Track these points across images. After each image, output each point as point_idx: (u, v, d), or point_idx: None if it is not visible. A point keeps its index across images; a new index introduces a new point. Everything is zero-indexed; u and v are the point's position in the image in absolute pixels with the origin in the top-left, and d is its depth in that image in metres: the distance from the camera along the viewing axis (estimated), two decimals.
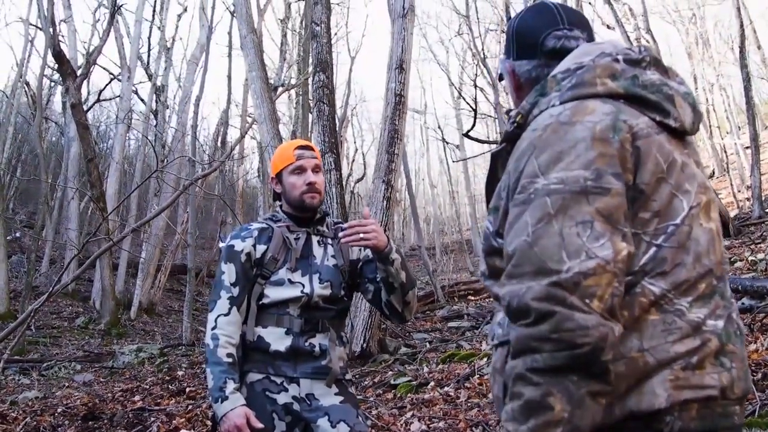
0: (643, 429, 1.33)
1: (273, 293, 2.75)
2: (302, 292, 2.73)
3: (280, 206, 2.96)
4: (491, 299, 2.03)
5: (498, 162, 1.63)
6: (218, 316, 2.70)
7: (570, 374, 1.24)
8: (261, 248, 2.79)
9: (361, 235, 2.58)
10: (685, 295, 1.37)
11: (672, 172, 1.42)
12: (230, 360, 2.65)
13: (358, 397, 5.76)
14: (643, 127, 1.42)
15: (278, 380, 2.70)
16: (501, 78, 1.90)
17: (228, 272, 2.76)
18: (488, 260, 1.59)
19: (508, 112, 1.70)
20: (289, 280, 2.75)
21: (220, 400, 2.55)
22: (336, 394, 2.76)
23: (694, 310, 1.37)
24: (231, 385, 2.58)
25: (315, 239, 2.89)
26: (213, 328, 2.68)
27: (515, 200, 1.41)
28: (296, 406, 2.68)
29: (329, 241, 2.91)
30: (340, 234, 2.65)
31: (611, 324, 1.26)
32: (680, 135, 1.53)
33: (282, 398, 2.67)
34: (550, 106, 1.50)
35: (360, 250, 2.92)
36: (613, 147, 1.36)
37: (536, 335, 1.26)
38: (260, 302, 2.76)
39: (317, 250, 2.86)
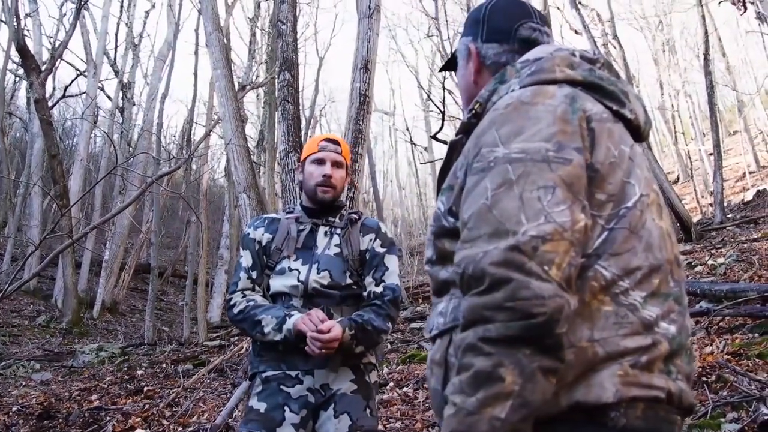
0: (587, 422, 1.29)
1: (275, 283, 2.83)
2: (298, 279, 2.77)
3: (301, 200, 3.05)
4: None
5: (454, 153, 1.61)
6: (241, 289, 2.84)
7: (523, 346, 1.19)
8: (267, 237, 2.91)
9: (323, 351, 2.57)
10: (639, 287, 1.35)
11: (623, 159, 1.42)
12: (269, 301, 2.82)
13: None
14: (598, 112, 1.44)
15: (293, 374, 2.72)
16: (449, 65, 1.90)
17: (245, 257, 2.91)
18: (437, 243, 1.55)
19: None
20: (289, 268, 2.81)
21: (285, 320, 2.64)
22: (352, 381, 2.77)
23: (647, 307, 1.34)
24: (292, 312, 2.69)
25: (322, 230, 2.93)
26: (241, 296, 2.81)
27: (473, 169, 1.39)
28: (311, 398, 2.70)
29: (337, 231, 2.94)
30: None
31: (567, 296, 1.22)
32: (634, 131, 1.55)
33: (296, 391, 2.69)
34: (509, 90, 1.50)
35: (369, 240, 2.95)
36: (573, 125, 1.37)
37: (490, 304, 1.21)
38: (268, 293, 2.85)
39: (321, 240, 2.91)
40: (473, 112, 1.57)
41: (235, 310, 2.78)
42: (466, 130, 1.57)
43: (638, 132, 1.58)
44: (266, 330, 2.66)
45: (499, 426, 1.17)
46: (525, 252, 1.21)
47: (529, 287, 1.19)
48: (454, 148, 1.62)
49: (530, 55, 1.60)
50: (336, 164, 2.94)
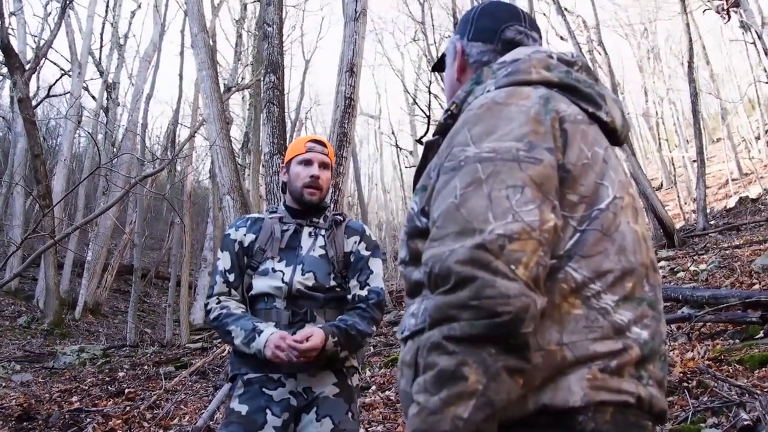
0: (554, 425, 1.27)
1: (258, 284, 2.79)
2: (282, 281, 2.74)
3: (284, 201, 3.01)
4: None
5: (430, 153, 1.60)
6: (217, 294, 2.81)
7: (487, 345, 1.17)
8: (250, 237, 2.87)
9: (301, 360, 2.53)
10: (612, 290, 1.33)
11: (596, 161, 1.41)
12: (243, 309, 2.77)
13: None
14: (572, 114, 1.43)
15: (275, 376, 2.70)
16: (439, 66, 1.91)
17: (223, 259, 2.86)
18: (410, 243, 1.52)
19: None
20: (273, 269, 2.77)
21: (255, 337, 2.60)
22: (334, 384, 2.75)
23: (620, 311, 1.32)
24: (260, 324, 2.64)
25: (306, 230, 2.90)
26: (216, 302, 2.78)
27: (444, 168, 1.38)
28: (293, 401, 2.68)
29: (322, 232, 2.91)
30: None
31: (534, 295, 1.20)
32: (611, 134, 1.55)
33: (279, 394, 2.67)
34: (485, 91, 1.50)
35: (354, 242, 2.92)
36: (546, 126, 1.37)
37: (455, 302, 1.20)
38: (249, 293, 2.81)
39: (305, 241, 2.88)
40: (449, 113, 1.57)
41: (211, 317, 2.77)
42: (442, 130, 1.57)
43: (615, 135, 1.57)
44: (236, 342, 2.64)
45: (461, 425, 1.16)
46: (491, 250, 1.20)
47: (494, 286, 1.18)
48: (430, 149, 1.61)
49: (508, 56, 1.60)
50: (323, 165, 2.92)
